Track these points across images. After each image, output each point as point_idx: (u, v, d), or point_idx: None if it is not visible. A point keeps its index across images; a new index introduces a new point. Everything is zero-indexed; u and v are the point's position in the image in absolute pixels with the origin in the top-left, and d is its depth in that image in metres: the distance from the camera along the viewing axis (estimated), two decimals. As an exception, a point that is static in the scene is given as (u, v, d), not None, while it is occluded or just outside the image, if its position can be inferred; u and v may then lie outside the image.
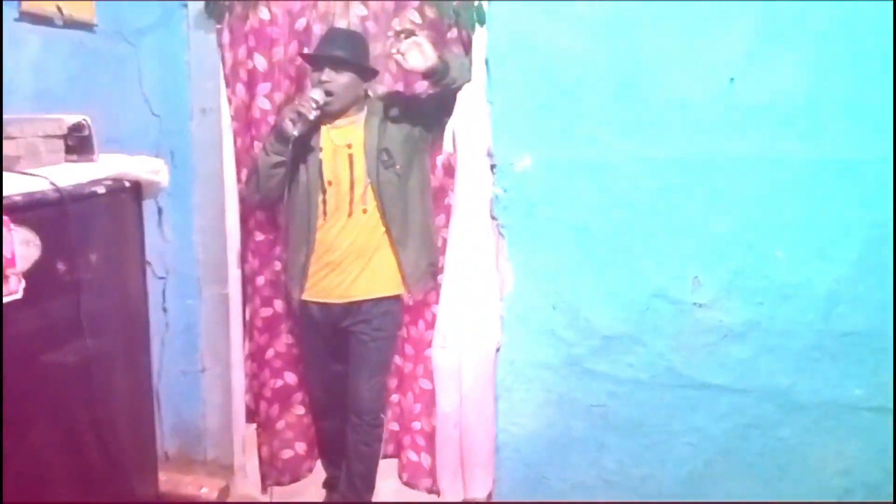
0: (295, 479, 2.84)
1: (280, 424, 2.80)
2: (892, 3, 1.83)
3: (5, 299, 1.39)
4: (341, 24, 2.50)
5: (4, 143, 1.54)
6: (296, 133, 2.28)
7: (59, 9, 2.24)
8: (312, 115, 2.29)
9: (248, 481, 2.85)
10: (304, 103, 2.29)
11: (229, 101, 2.60)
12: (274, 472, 2.80)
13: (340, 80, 2.33)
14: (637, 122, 2.03)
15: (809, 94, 1.92)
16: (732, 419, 2.09)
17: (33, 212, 1.46)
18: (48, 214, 1.49)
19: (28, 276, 1.44)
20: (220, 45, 2.56)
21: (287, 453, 2.82)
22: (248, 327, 2.78)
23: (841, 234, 1.95)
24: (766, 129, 1.96)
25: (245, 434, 2.86)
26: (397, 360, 2.72)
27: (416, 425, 2.76)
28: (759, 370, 2.04)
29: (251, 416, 2.87)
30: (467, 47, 2.36)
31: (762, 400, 2.05)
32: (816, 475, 2.05)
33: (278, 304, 2.72)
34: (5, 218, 1.39)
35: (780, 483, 2.08)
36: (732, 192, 2.00)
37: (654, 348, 2.10)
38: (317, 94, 2.30)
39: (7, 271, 1.40)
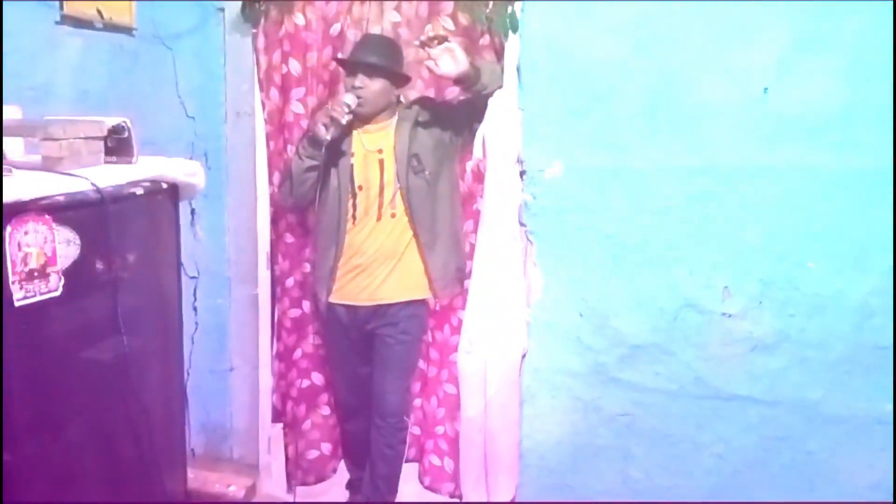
0: (320, 480, 2.87)
1: (306, 425, 2.83)
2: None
3: (47, 296, 1.42)
4: (375, 29, 2.53)
5: (47, 144, 1.57)
6: (328, 137, 2.30)
7: (100, 12, 2.29)
8: (344, 120, 2.31)
9: (272, 481, 2.87)
10: (337, 108, 2.31)
11: (263, 104, 2.64)
12: (299, 471, 2.83)
13: (373, 86, 2.35)
14: (669, 130, 2.02)
15: (843, 104, 1.90)
16: (760, 431, 2.06)
17: (74, 211, 1.49)
18: (88, 214, 1.53)
19: (67, 274, 1.47)
20: (255, 49, 2.60)
21: (312, 453, 2.85)
22: (277, 328, 2.81)
23: (874, 245, 1.92)
24: (799, 138, 1.94)
25: (271, 434, 2.89)
26: (422, 364, 2.74)
27: (440, 430, 2.77)
28: (788, 382, 2.02)
29: (277, 416, 2.90)
30: (499, 54, 2.38)
31: (791, 412, 2.03)
32: (845, 489, 2.02)
33: (307, 306, 2.75)
34: (48, 217, 1.43)
35: (808, 496, 2.05)
36: (764, 202, 1.98)
37: (682, 358, 2.09)
38: (349, 99, 2.32)
39: (48, 269, 1.43)
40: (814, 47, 1.90)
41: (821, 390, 2.00)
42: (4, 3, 1.89)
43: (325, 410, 2.85)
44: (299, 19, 2.55)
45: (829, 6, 1.88)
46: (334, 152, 2.41)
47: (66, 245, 1.48)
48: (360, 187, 2.44)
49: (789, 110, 1.93)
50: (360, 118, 2.41)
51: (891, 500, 1.96)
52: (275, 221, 2.74)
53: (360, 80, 2.35)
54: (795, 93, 1.92)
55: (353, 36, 2.54)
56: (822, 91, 1.91)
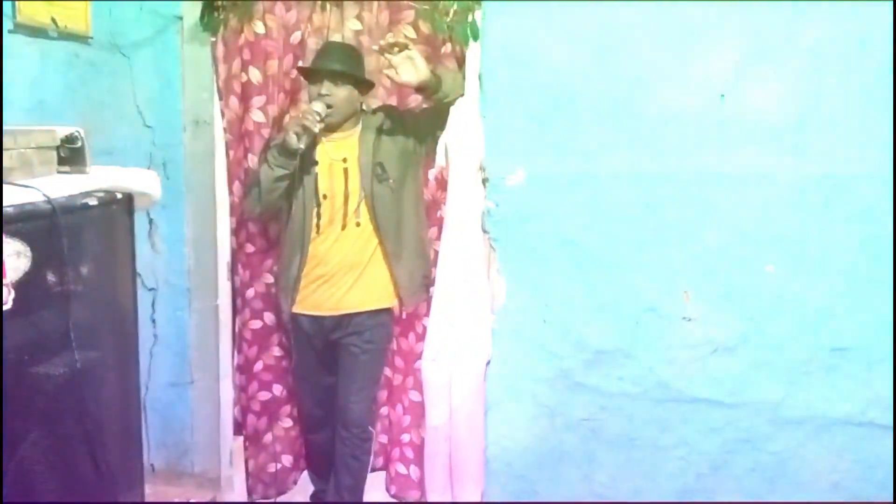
0: (281, 492, 2.83)
1: (267, 437, 2.79)
2: (883, 18, 1.85)
3: (-5, 310, 1.38)
4: (336, 38, 2.52)
5: (-4, 153, 1.53)
6: (301, 146, 2.27)
7: (54, 20, 2.25)
8: (317, 128, 2.29)
9: (234, 494, 2.83)
10: (308, 116, 2.28)
11: (222, 113, 2.61)
12: (260, 485, 2.79)
13: (340, 93, 2.34)
14: (629, 137, 2.05)
15: (799, 110, 1.94)
16: (723, 433, 2.09)
17: (25, 223, 1.45)
18: (40, 226, 1.49)
19: (18, 287, 1.43)
20: (215, 58, 2.57)
21: (273, 466, 2.81)
22: (238, 339, 2.78)
23: (831, 248, 1.96)
24: (757, 144, 1.98)
25: (232, 447, 2.85)
26: (387, 372, 2.72)
27: (405, 438, 2.75)
28: (749, 384, 2.05)
29: (239, 428, 2.86)
30: (461, 62, 2.38)
31: (753, 414, 2.06)
32: (808, 490, 2.05)
33: (268, 317, 2.72)
34: (-4, 229, 1.39)
35: (771, 497, 2.08)
36: (723, 207, 2.01)
37: (644, 362, 2.11)
38: (319, 107, 2.30)
39: (-3, 282, 1.39)
40: (769, 54, 1.94)
41: (781, 392, 2.03)
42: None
43: (287, 422, 2.82)
44: (259, 28, 2.53)
45: (784, 14, 1.92)
46: (308, 161, 2.39)
47: (16, 257, 1.44)
48: (325, 196, 2.42)
49: (746, 117, 1.97)
50: (329, 127, 2.39)
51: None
52: (235, 232, 2.70)
53: (327, 87, 2.33)
54: (752, 99, 1.96)
55: (313, 44, 2.53)
56: (778, 98, 1.95)
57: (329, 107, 2.32)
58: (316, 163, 2.42)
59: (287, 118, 2.60)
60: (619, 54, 2.03)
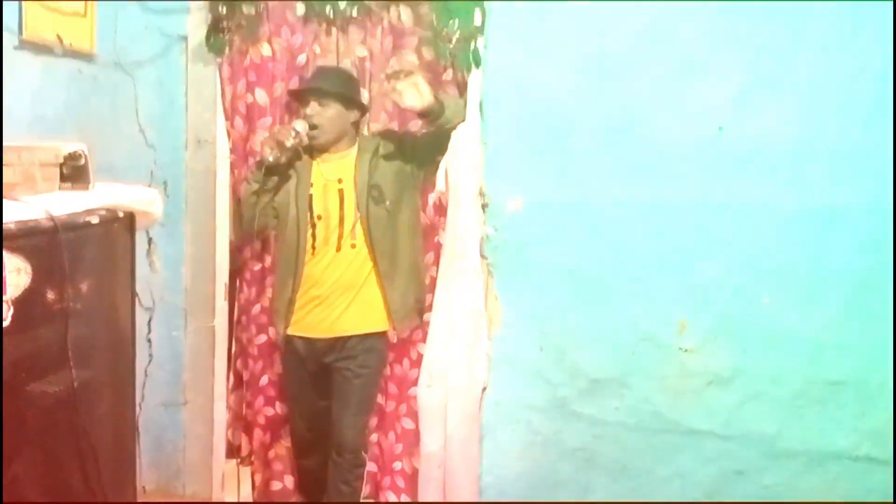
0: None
1: (271, 453, 2.78)
2: (881, 49, 1.87)
3: (-7, 326, 1.38)
4: (343, 63, 2.54)
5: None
6: (271, 159, 2.31)
7: (60, 38, 2.26)
8: (289, 143, 2.32)
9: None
10: (283, 131, 2.33)
11: (228, 134, 2.63)
12: (265, 502, 2.78)
13: (326, 112, 2.38)
14: (627, 167, 2.06)
15: (796, 143, 1.96)
16: (718, 465, 2.08)
17: (26, 239, 1.45)
18: (41, 243, 1.49)
19: (17, 303, 1.43)
20: (221, 79, 2.59)
21: (277, 485, 2.80)
22: (243, 356, 2.77)
23: (828, 280, 1.97)
24: (754, 175, 1.99)
25: (225, 469, 2.83)
26: (379, 398, 2.70)
27: (398, 465, 2.73)
28: (744, 416, 2.04)
29: (232, 451, 2.83)
30: (462, 89, 2.40)
31: (747, 446, 2.05)
32: (801, 523, 2.04)
33: (273, 332, 2.72)
34: (-2, 245, 1.39)
35: (765, 531, 2.07)
36: (720, 238, 2.03)
37: (640, 392, 2.11)
38: (299, 126, 2.35)
39: (-4, 298, 1.39)
40: (768, 86, 1.96)
41: (776, 424, 2.03)
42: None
43: (288, 442, 2.80)
44: (265, 50, 2.56)
45: (782, 45, 1.94)
46: (284, 178, 2.42)
47: (16, 274, 1.44)
48: (319, 217, 2.43)
49: (744, 148, 1.99)
50: (318, 147, 2.42)
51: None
52: (240, 249, 2.71)
53: (312, 107, 2.37)
54: (750, 131, 1.98)
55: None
56: (775, 129, 1.97)
57: (314, 127, 2.35)
58: (310, 184, 2.43)
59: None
60: (618, 84, 2.05)
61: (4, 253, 1.40)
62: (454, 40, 2.34)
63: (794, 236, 1.99)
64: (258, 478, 2.77)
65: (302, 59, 2.57)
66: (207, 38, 2.56)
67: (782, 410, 2.02)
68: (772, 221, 2.00)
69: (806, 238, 1.98)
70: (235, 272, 2.76)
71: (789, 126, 1.96)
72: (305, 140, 2.38)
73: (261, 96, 2.57)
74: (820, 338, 1.99)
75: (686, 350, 2.06)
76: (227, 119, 2.62)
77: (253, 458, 2.78)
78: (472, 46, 2.30)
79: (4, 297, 1.41)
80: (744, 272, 2.02)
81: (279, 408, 2.78)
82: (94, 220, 1.66)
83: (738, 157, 1.99)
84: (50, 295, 1.53)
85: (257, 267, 2.71)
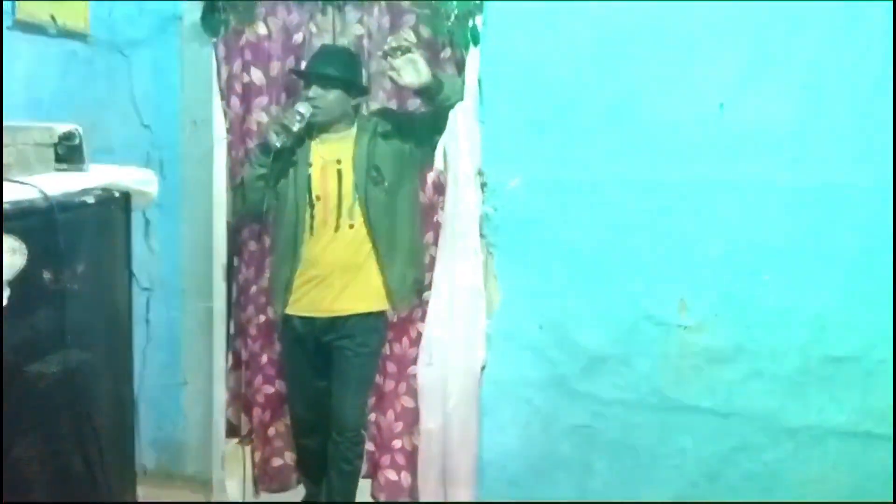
0: (284, 488, 2.84)
1: (271, 431, 2.80)
2: (883, 28, 1.86)
3: (-11, 307, 1.37)
4: (340, 41, 2.52)
5: (-7, 150, 1.53)
6: (278, 145, 2.30)
7: (53, 18, 2.24)
8: (296, 128, 2.31)
9: (227, 497, 2.81)
10: (289, 116, 2.32)
11: (224, 113, 2.61)
12: (266, 477, 2.80)
13: (328, 95, 2.36)
14: (627, 145, 2.05)
15: (798, 121, 1.94)
16: (719, 442, 2.08)
17: (21, 220, 1.44)
18: (36, 223, 1.48)
19: (13, 284, 1.42)
20: (217, 59, 2.57)
21: (277, 461, 2.81)
22: (242, 335, 2.77)
23: (829, 258, 1.96)
24: (755, 154, 1.98)
25: (225, 449, 2.83)
26: (378, 377, 2.71)
27: (397, 444, 2.74)
28: (745, 394, 2.04)
29: (232, 431, 2.84)
30: (460, 67, 2.38)
31: (749, 423, 2.05)
32: (802, 500, 2.04)
33: (272, 312, 2.72)
34: (-8, 225, 1.38)
35: (765, 507, 2.08)
36: (721, 216, 2.01)
37: (640, 370, 2.10)
38: (302, 108, 2.33)
39: (-9, 279, 1.38)
40: (769, 64, 1.94)
41: (777, 402, 2.03)
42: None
43: (288, 419, 2.81)
44: (261, 29, 2.54)
45: (784, 24, 1.92)
46: (289, 161, 2.40)
47: (11, 254, 1.43)
48: (318, 197, 2.42)
49: (745, 127, 1.97)
50: (317, 127, 2.41)
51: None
52: (238, 229, 2.70)
53: (314, 90, 2.35)
54: (751, 109, 1.96)
55: (316, 46, 2.53)
56: (777, 108, 1.95)
57: (315, 108, 2.33)
58: (308, 164, 2.42)
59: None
60: (618, 62, 2.03)
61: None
62: (452, 18, 2.32)
63: (795, 214, 1.98)
64: (258, 455, 2.79)
65: (298, 38, 2.54)
66: (203, 17, 2.54)
67: (783, 388, 2.02)
68: (773, 199, 1.99)
69: (807, 216, 1.97)
70: (234, 253, 2.75)
71: (791, 104, 1.94)
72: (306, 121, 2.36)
73: (257, 76, 2.55)
74: (821, 315, 1.98)
75: (687, 328, 2.05)
76: (223, 99, 2.60)
77: (253, 437, 2.78)
78: (470, 24, 2.27)
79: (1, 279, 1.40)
80: (745, 250, 2.01)
81: (279, 385, 2.78)
82: (90, 200, 1.65)
83: (739, 135, 1.97)
84: (46, 276, 1.52)
85: (255, 247, 2.71)
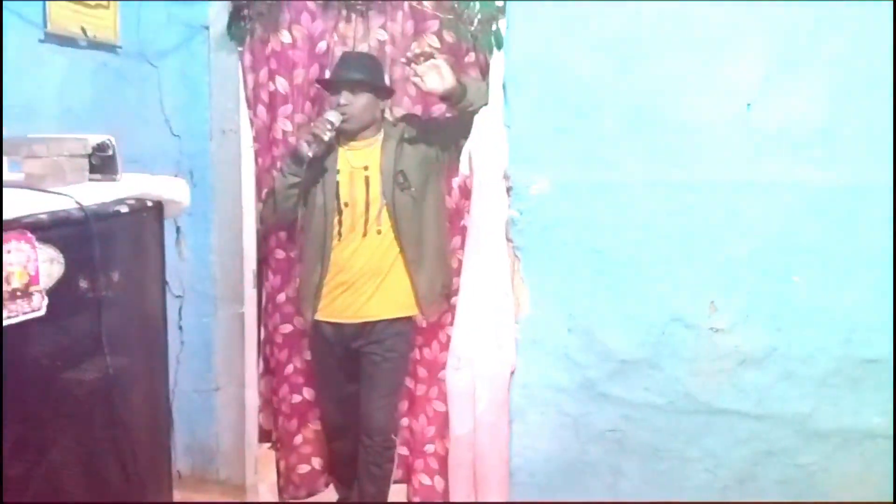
0: (311, 493, 2.86)
1: (298, 439, 2.82)
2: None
3: (30, 316, 1.40)
4: (361, 48, 2.54)
5: (30, 162, 1.56)
6: (310, 154, 2.32)
7: (84, 30, 2.28)
8: (327, 137, 2.33)
9: (259, 501, 2.84)
10: (320, 125, 2.33)
11: (251, 122, 2.64)
12: (291, 486, 2.82)
13: (357, 102, 2.37)
14: (654, 146, 2.04)
15: (827, 119, 1.92)
16: (750, 446, 2.06)
17: (58, 230, 1.47)
18: (72, 233, 1.51)
19: (51, 293, 1.45)
20: (242, 67, 2.60)
21: (304, 468, 2.83)
22: (268, 344, 2.80)
23: (859, 258, 1.94)
24: (784, 153, 1.96)
25: (257, 454, 2.86)
26: (409, 382, 2.72)
27: (430, 448, 2.75)
28: (777, 396, 2.02)
29: (264, 435, 2.87)
30: (485, 71, 2.39)
31: (780, 426, 2.03)
32: (836, 502, 2.02)
33: (298, 321, 2.75)
34: (30, 235, 1.41)
35: (799, 511, 2.05)
36: (750, 217, 2.00)
37: (670, 373, 2.09)
38: (333, 116, 2.34)
39: (31, 288, 1.41)
40: (796, 63, 1.93)
41: (810, 404, 2.01)
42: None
43: (316, 425, 2.84)
44: (286, 37, 2.56)
45: (810, 22, 1.90)
46: (319, 169, 2.42)
47: (49, 264, 1.46)
48: (346, 204, 2.44)
49: (773, 126, 1.95)
50: (346, 135, 2.42)
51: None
52: (265, 238, 2.73)
53: (345, 97, 2.36)
54: (779, 109, 1.94)
55: (339, 53, 2.55)
56: (805, 107, 1.93)
57: (345, 115, 2.35)
58: (336, 171, 2.44)
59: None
60: (644, 62, 2.02)
61: (38, 244, 1.42)
62: (476, 22, 2.33)
63: (825, 214, 1.96)
64: (282, 464, 2.80)
65: (322, 45, 2.57)
66: (229, 26, 2.57)
67: (815, 390, 2.00)
68: (802, 199, 1.97)
69: (838, 215, 1.95)
70: (262, 260, 2.78)
71: (819, 103, 1.92)
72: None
73: (282, 84, 2.58)
74: (853, 316, 1.96)
75: (717, 330, 2.04)
76: (249, 108, 2.63)
77: (279, 445, 2.81)
78: (493, 28, 2.28)
79: (38, 287, 1.43)
80: (775, 250, 1.99)
81: (306, 393, 2.80)
82: (124, 209, 1.67)
83: (767, 135, 1.96)
84: (83, 284, 1.55)
85: (282, 256, 2.73)
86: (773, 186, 1.98)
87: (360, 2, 2.51)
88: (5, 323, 1.35)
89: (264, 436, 2.87)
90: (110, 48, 2.45)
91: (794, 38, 1.92)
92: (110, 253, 1.62)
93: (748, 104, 1.96)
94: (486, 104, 2.26)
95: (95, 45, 2.36)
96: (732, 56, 1.96)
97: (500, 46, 2.26)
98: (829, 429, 2.01)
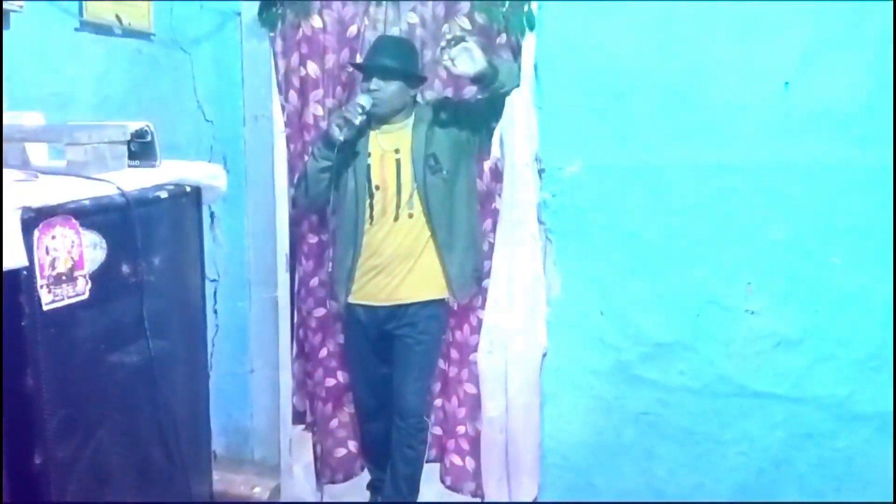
0: (348, 477, 2.89)
1: (333, 423, 2.85)
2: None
3: (75, 300, 1.43)
4: (392, 31, 2.53)
5: (72, 149, 1.59)
6: (342, 138, 2.32)
7: (119, 17, 2.31)
8: (358, 121, 2.33)
9: (294, 482, 2.88)
10: (351, 109, 2.33)
11: (282, 107, 2.65)
12: (328, 469, 2.85)
13: (388, 88, 2.37)
14: (690, 127, 2.02)
15: (866, 99, 1.89)
16: (786, 429, 2.06)
17: (100, 215, 1.49)
18: (114, 218, 1.53)
19: (94, 277, 1.48)
20: (274, 53, 2.61)
21: (340, 451, 2.86)
22: (302, 328, 2.82)
23: (900, 240, 1.91)
24: (822, 134, 1.93)
25: (292, 435, 2.90)
26: (442, 364, 2.73)
27: (461, 429, 2.76)
28: (814, 379, 2.01)
29: (298, 417, 2.91)
30: (516, 52, 2.37)
31: (817, 409, 2.02)
32: (874, 488, 2.00)
33: (332, 305, 2.76)
34: (74, 221, 1.44)
35: (837, 496, 2.04)
36: (787, 198, 1.98)
37: (705, 356, 2.08)
38: (363, 101, 2.34)
39: (75, 273, 1.44)
40: (837, 42, 1.89)
41: (848, 387, 1.99)
42: (25, 10, 1.91)
43: (352, 408, 2.86)
44: (316, 22, 2.56)
45: (852, 2, 1.86)
46: (351, 153, 2.43)
47: (92, 249, 1.49)
48: (378, 187, 2.44)
49: (812, 106, 1.93)
50: (377, 119, 2.43)
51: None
52: (297, 222, 2.75)
53: (376, 83, 2.36)
54: (818, 88, 1.92)
55: (370, 37, 2.55)
56: (845, 86, 1.90)
57: (375, 100, 2.35)
58: (368, 154, 2.45)
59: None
60: (679, 42, 2.00)
61: (81, 229, 1.45)
62: (507, 3, 2.31)
63: (864, 194, 1.93)
64: (319, 448, 2.84)
65: (353, 29, 2.56)
66: (260, 12, 2.58)
67: (853, 373, 1.98)
68: (841, 180, 1.95)
69: (876, 197, 1.92)
70: (294, 244, 2.80)
71: (859, 82, 1.89)
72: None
73: (313, 69, 2.58)
74: (892, 298, 1.93)
75: (753, 312, 2.03)
76: (280, 93, 2.64)
77: (315, 429, 2.84)
78: (525, 9, 2.26)
79: (82, 272, 1.46)
80: (813, 232, 1.97)
81: (340, 377, 2.83)
82: (164, 195, 1.69)
83: (805, 115, 1.93)
84: (125, 268, 1.57)
85: (314, 241, 2.75)
86: (811, 167, 1.95)
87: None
88: (51, 307, 1.39)
89: (298, 417, 2.90)
90: (144, 36, 2.47)
91: (835, 14, 1.89)
92: (151, 238, 1.65)
93: (786, 83, 1.93)
94: (517, 86, 2.25)
95: (130, 32, 2.38)
96: (769, 34, 1.94)
97: (532, 27, 2.24)
98: (867, 412, 1.99)
